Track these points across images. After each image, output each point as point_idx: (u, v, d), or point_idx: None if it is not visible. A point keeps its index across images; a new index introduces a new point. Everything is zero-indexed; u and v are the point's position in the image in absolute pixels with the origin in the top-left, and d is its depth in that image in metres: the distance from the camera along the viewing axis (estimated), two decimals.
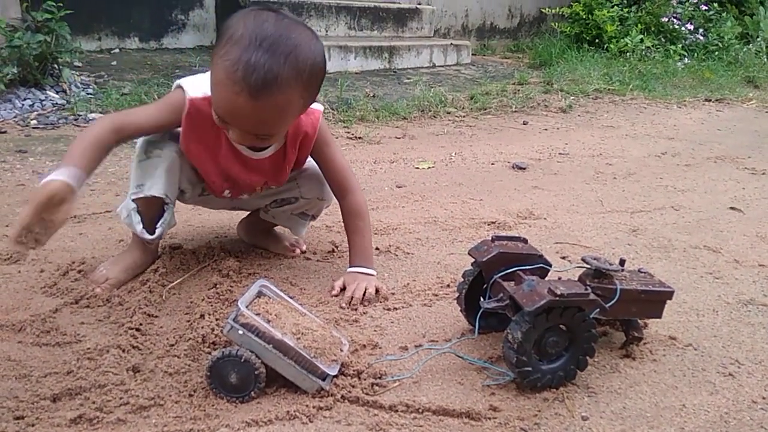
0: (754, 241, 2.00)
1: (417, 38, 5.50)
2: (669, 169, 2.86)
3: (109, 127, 1.30)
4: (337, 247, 1.76)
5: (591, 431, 1.07)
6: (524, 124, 3.64)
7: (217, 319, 1.29)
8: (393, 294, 1.52)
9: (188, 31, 4.88)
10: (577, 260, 1.68)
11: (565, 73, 4.96)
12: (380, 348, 1.28)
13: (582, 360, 1.17)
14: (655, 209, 2.28)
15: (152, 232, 1.46)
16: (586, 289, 1.13)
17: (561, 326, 1.14)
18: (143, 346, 1.23)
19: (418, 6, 5.60)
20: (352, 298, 1.44)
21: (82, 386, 1.08)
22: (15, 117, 2.85)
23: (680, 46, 5.97)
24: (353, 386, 1.13)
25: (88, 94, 3.25)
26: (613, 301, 1.21)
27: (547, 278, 1.26)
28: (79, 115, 2.93)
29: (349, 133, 3.13)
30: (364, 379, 1.15)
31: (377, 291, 1.48)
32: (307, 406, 1.07)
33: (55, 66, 3.22)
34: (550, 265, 1.30)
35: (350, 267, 1.53)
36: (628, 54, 5.59)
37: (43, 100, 3.05)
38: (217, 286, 1.46)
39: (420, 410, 1.09)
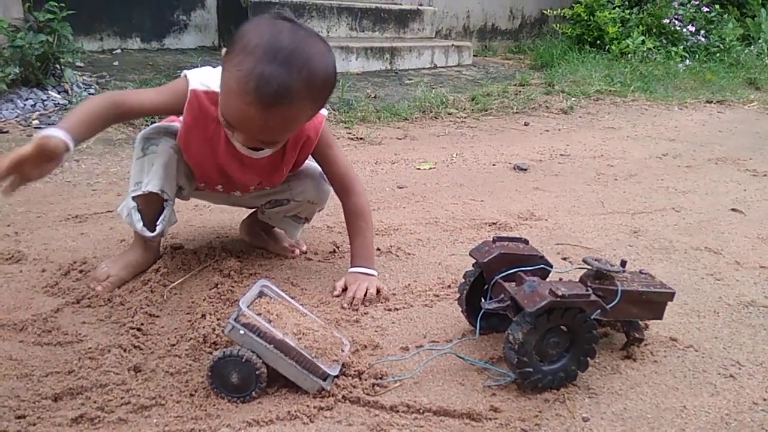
0: (755, 243, 2.00)
1: (418, 39, 5.50)
2: (670, 171, 2.86)
3: (109, 100, 1.31)
4: (338, 247, 1.76)
5: None
6: (525, 125, 3.64)
7: (218, 319, 1.29)
8: (394, 294, 1.52)
9: (190, 32, 4.88)
10: (578, 261, 1.69)
11: (566, 74, 4.97)
12: (381, 348, 1.28)
13: (583, 361, 1.17)
14: (656, 210, 2.28)
15: (153, 230, 1.46)
16: (587, 290, 1.13)
17: (562, 327, 1.14)
18: (144, 346, 1.23)
19: (419, 7, 5.60)
20: (353, 298, 1.44)
21: (83, 386, 1.08)
22: (17, 117, 2.85)
23: (681, 47, 5.97)
24: (354, 386, 1.13)
25: (89, 94, 3.25)
26: (614, 303, 1.21)
27: (548, 279, 1.26)
28: None
29: (350, 133, 3.14)
30: (365, 380, 1.15)
31: (378, 291, 1.48)
32: (308, 406, 1.07)
33: (57, 66, 3.22)
34: (551, 266, 1.30)
35: (351, 267, 1.53)
36: (629, 55, 5.59)
37: (45, 100, 3.05)
38: (219, 286, 1.46)
39: (421, 411, 1.09)
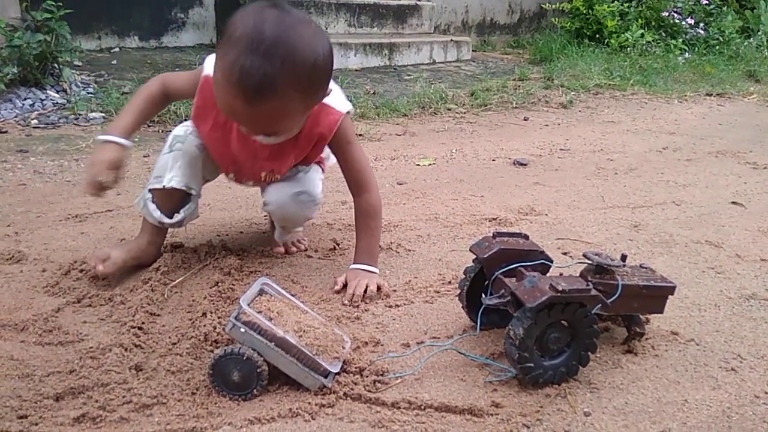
0: (756, 236, 2.00)
1: (417, 35, 5.49)
2: (670, 164, 2.85)
3: (159, 81, 1.47)
4: (338, 244, 1.76)
5: (593, 427, 1.07)
6: (525, 120, 3.63)
7: (219, 318, 1.29)
8: (394, 291, 1.52)
9: (188, 30, 4.87)
10: (578, 256, 1.69)
11: (565, 68, 4.96)
12: (382, 345, 1.28)
13: (584, 356, 1.17)
14: (657, 204, 2.27)
15: (171, 216, 1.51)
16: (588, 285, 1.13)
17: (563, 322, 1.14)
18: (146, 345, 1.23)
19: (417, 2, 5.59)
20: (353, 295, 1.44)
21: (84, 385, 1.08)
22: (16, 117, 2.85)
23: (681, 40, 5.95)
24: (355, 383, 1.13)
25: (88, 93, 3.25)
26: (614, 297, 1.21)
27: (548, 274, 1.26)
28: (80, 115, 2.93)
29: None
30: (366, 376, 1.15)
31: (379, 289, 1.48)
32: (309, 403, 1.07)
33: (56, 65, 3.22)
34: (552, 261, 1.30)
35: (353, 264, 1.53)
36: (628, 49, 5.58)
37: (44, 100, 3.05)
38: (219, 284, 1.46)
39: (422, 407, 1.09)
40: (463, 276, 1.35)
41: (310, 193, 1.55)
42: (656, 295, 1.29)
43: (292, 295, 1.26)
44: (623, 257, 1.31)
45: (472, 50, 5.82)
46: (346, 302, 1.43)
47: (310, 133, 1.45)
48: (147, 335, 1.26)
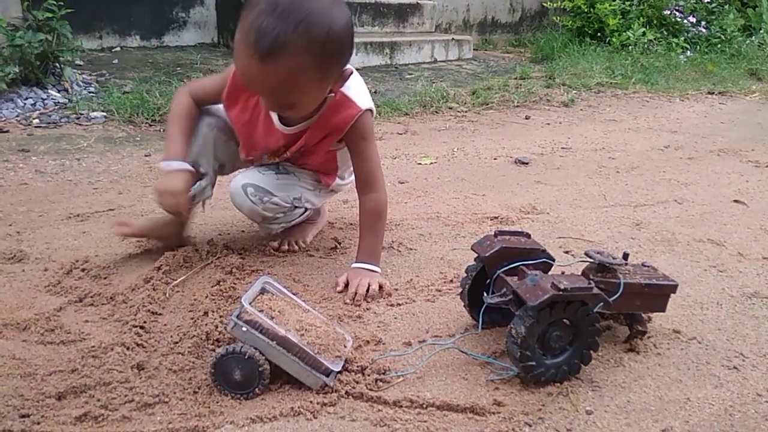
0: (758, 234, 1.99)
1: (418, 33, 5.49)
2: (672, 163, 2.85)
3: (186, 94, 1.53)
4: (339, 243, 1.76)
5: (595, 425, 1.07)
6: (526, 118, 3.63)
7: (220, 316, 1.29)
8: (396, 290, 1.52)
9: (189, 29, 4.88)
10: (580, 254, 1.68)
11: (567, 67, 4.95)
12: (384, 344, 1.28)
13: (586, 354, 1.17)
14: (659, 203, 2.27)
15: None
16: (590, 284, 1.13)
17: (564, 321, 1.14)
18: (147, 344, 1.23)
19: (419, 1, 5.58)
20: (355, 294, 1.44)
21: (86, 384, 1.09)
22: (17, 116, 2.85)
23: (683, 38, 5.94)
24: (357, 382, 1.13)
25: (89, 92, 3.25)
26: (616, 295, 1.21)
27: (550, 273, 1.25)
28: (81, 114, 2.94)
29: None
30: (368, 375, 1.15)
31: (380, 287, 1.48)
32: (311, 402, 1.07)
33: (57, 65, 3.22)
34: (553, 260, 1.29)
35: (355, 263, 1.53)
36: (630, 47, 5.56)
37: (45, 99, 3.05)
38: (221, 283, 1.46)
39: (424, 405, 1.09)
40: (465, 274, 1.35)
41: (257, 187, 1.54)
42: (658, 294, 1.29)
43: (294, 294, 1.26)
44: (625, 255, 1.31)
45: (474, 49, 5.82)
46: (347, 301, 1.43)
47: (326, 122, 1.48)
48: (149, 334, 1.26)
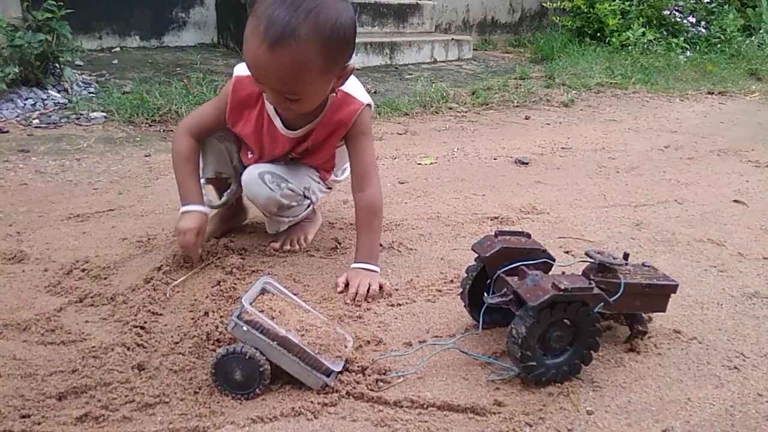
0: (758, 234, 1.99)
1: (418, 34, 5.49)
2: (672, 163, 2.85)
3: (185, 134, 1.57)
4: (340, 243, 1.76)
5: (596, 425, 1.07)
6: (526, 118, 3.63)
7: (221, 317, 1.29)
8: (396, 290, 1.52)
9: (189, 29, 4.88)
10: (580, 254, 1.68)
11: (566, 67, 4.95)
12: (384, 344, 1.28)
13: (586, 354, 1.17)
14: (659, 203, 2.27)
15: (219, 197, 1.70)
16: (590, 284, 1.13)
17: (565, 321, 1.14)
18: (148, 344, 1.23)
19: (418, 1, 5.58)
20: (355, 294, 1.44)
21: (87, 384, 1.09)
22: (17, 116, 2.85)
23: (682, 39, 5.93)
24: (358, 382, 1.13)
25: (89, 93, 3.25)
26: (617, 295, 1.21)
27: (550, 273, 1.25)
28: (81, 114, 2.94)
29: None
30: (369, 375, 1.15)
31: (381, 288, 1.48)
32: (312, 402, 1.07)
33: (57, 65, 3.22)
34: (554, 260, 1.29)
35: (355, 263, 1.53)
36: (630, 47, 5.56)
37: (45, 100, 3.05)
38: (221, 283, 1.46)
39: (425, 405, 1.09)
40: (465, 275, 1.35)
41: (274, 174, 1.57)
42: (659, 294, 1.29)
43: (294, 294, 1.26)
44: (625, 256, 1.31)
45: (474, 49, 5.82)
46: (348, 301, 1.43)
47: (330, 120, 1.52)
48: (149, 334, 1.26)
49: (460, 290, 1.36)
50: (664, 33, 6.05)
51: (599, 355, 1.25)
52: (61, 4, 3.01)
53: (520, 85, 4.33)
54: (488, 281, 1.30)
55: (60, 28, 3.04)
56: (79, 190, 2.12)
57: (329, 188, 1.82)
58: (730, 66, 5.54)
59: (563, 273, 1.23)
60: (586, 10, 5.91)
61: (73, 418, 1.01)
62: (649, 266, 1.35)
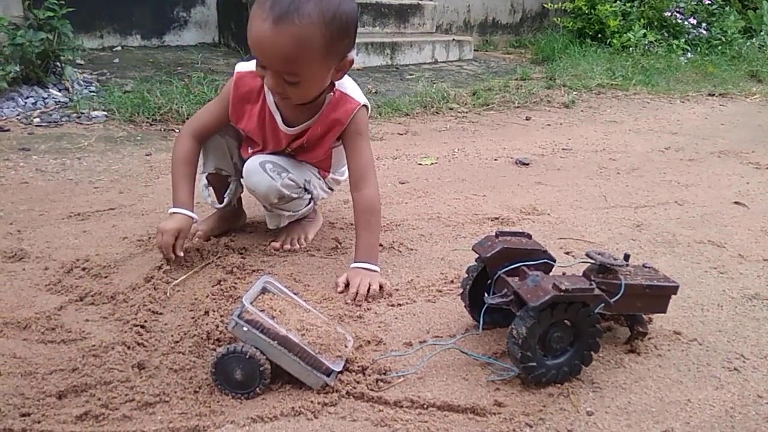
0: (759, 236, 1.99)
1: (419, 34, 5.49)
2: (672, 164, 2.85)
3: (187, 136, 1.60)
4: (340, 243, 1.76)
5: (596, 426, 1.07)
6: (527, 119, 3.63)
7: (221, 316, 1.29)
8: (397, 290, 1.52)
9: (190, 29, 4.88)
10: (581, 255, 1.68)
11: (567, 68, 4.95)
12: (385, 344, 1.28)
13: (587, 355, 1.17)
14: (659, 204, 2.27)
15: (221, 202, 1.71)
16: (591, 285, 1.13)
17: (566, 321, 1.14)
18: (148, 343, 1.23)
19: (419, 2, 5.58)
20: (356, 294, 1.44)
21: (87, 383, 1.09)
22: (18, 115, 2.85)
23: (683, 40, 5.94)
24: (358, 382, 1.13)
25: (90, 91, 3.25)
26: (617, 296, 1.21)
27: (551, 273, 1.25)
28: (82, 113, 2.94)
29: None
30: (369, 375, 1.15)
31: (381, 287, 1.48)
32: (312, 402, 1.07)
33: (58, 64, 3.22)
34: (554, 261, 1.29)
35: (354, 262, 1.53)
36: (630, 49, 5.57)
37: (46, 98, 3.05)
38: (221, 282, 1.46)
39: (425, 406, 1.09)
40: (466, 275, 1.35)
41: (275, 163, 1.59)
42: (659, 295, 1.29)
43: (295, 294, 1.26)
44: (626, 257, 1.30)
45: (474, 50, 5.82)
46: (348, 301, 1.43)
47: (326, 118, 1.55)
48: (149, 333, 1.26)
49: (461, 290, 1.36)
50: (665, 34, 6.05)
51: (599, 356, 1.25)
52: (63, 2, 3.01)
53: (521, 86, 4.34)
54: (489, 282, 1.30)
55: (61, 26, 3.04)
56: (79, 188, 2.12)
57: (330, 189, 1.82)
58: (731, 68, 5.55)
59: (564, 274, 1.23)
60: (587, 12, 5.91)
61: (73, 417, 1.01)
62: (649, 267, 1.35)
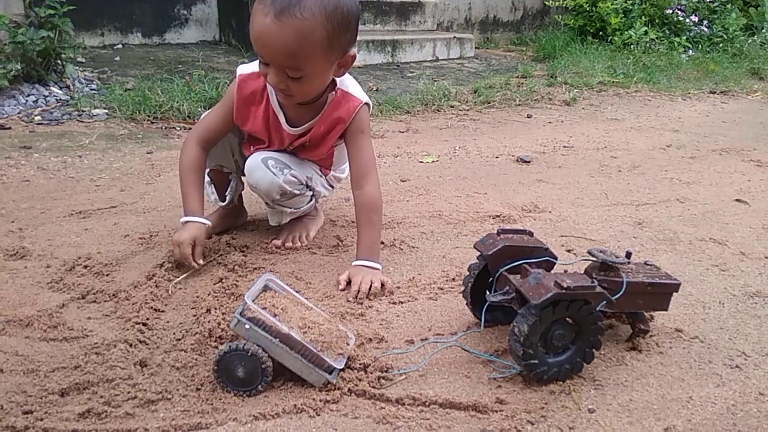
0: (760, 233, 1.99)
1: (420, 32, 5.48)
2: (674, 162, 2.85)
3: (193, 143, 1.58)
4: (341, 241, 1.76)
5: (597, 423, 1.07)
6: (528, 117, 3.63)
7: (223, 314, 1.30)
8: (398, 288, 1.52)
9: (191, 26, 4.88)
10: (582, 253, 1.68)
11: (569, 65, 4.94)
12: (386, 341, 1.28)
13: (588, 353, 1.17)
14: (661, 202, 2.27)
15: (224, 200, 1.73)
16: (593, 282, 1.13)
17: (567, 319, 1.14)
18: (150, 341, 1.23)
19: None
20: (358, 291, 1.44)
21: (89, 381, 1.09)
22: (19, 113, 2.86)
23: (685, 38, 5.93)
24: (360, 379, 1.13)
25: (91, 89, 3.25)
26: (619, 294, 1.21)
27: (553, 271, 1.25)
28: (83, 111, 2.94)
29: None
30: (371, 373, 1.15)
31: (383, 285, 1.48)
32: (314, 399, 1.07)
33: (59, 62, 3.22)
34: (556, 258, 1.29)
35: (356, 260, 1.53)
36: (632, 46, 5.56)
37: (47, 96, 3.05)
38: (223, 280, 1.46)
39: (426, 403, 1.09)
40: (468, 273, 1.35)
41: (277, 160, 1.59)
42: (661, 293, 1.29)
43: (297, 292, 1.26)
44: (627, 254, 1.30)
45: (475, 47, 5.81)
46: (350, 299, 1.43)
47: (329, 117, 1.55)
48: (151, 331, 1.26)
49: (462, 288, 1.36)
50: (667, 32, 6.04)
51: (601, 354, 1.25)
52: (64, 1, 3.01)
53: (522, 83, 4.33)
54: (490, 279, 1.30)
55: (62, 25, 3.04)
56: (81, 186, 2.13)
57: (332, 186, 1.83)
58: (733, 65, 5.54)
59: (565, 271, 1.23)
60: (588, 9, 5.91)
61: (75, 414, 1.01)
62: (651, 265, 1.35)
